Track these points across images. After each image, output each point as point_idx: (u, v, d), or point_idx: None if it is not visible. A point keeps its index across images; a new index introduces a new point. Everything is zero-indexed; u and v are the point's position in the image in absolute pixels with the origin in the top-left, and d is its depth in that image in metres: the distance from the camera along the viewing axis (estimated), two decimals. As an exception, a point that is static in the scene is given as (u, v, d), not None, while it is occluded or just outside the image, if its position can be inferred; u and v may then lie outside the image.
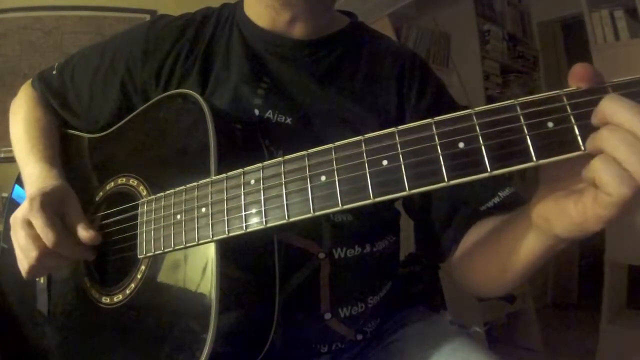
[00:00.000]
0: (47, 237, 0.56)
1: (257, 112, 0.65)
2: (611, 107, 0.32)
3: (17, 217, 0.59)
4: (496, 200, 0.63)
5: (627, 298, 2.12)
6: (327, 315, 0.64)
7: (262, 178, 0.47)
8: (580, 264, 2.95)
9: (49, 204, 0.59)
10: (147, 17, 2.12)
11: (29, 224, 0.58)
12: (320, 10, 0.68)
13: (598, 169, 0.33)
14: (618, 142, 0.32)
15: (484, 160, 0.36)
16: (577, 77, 0.35)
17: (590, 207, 0.35)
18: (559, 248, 0.44)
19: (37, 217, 0.57)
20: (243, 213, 0.48)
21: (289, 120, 0.65)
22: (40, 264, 0.58)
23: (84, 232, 0.60)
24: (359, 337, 0.68)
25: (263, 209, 0.46)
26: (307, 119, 0.66)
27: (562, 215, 0.38)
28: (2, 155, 1.94)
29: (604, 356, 1.94)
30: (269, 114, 0.65)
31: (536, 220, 0.42)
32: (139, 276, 0.57)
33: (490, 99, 2.74)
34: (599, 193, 0.34)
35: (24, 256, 0.59)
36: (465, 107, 0.72)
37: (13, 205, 0.63)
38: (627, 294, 2.12)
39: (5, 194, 1.77)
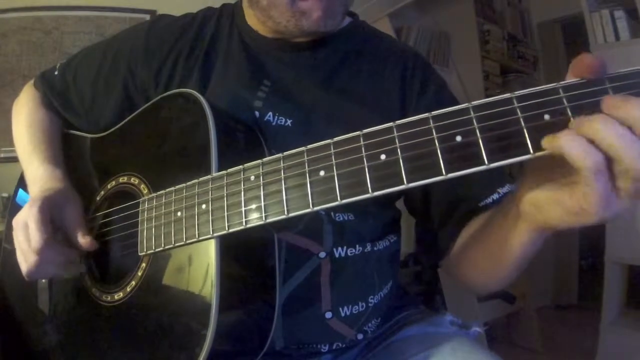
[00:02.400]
0: (34, 241, 0.57)
1: (257, 114, 0.65)
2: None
3: (18, 220, 0.60)
4: (495, 196, 0.63)
5: (627, 298, 2.12)
6: (328, 315, 0.64)
7: (262, 174, 0.47)
8: (580, 264, 2.95)
9: (48, 208, 0.59)
10: (147, 17, 2.13)
11: (26, 226, 0.59)
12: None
13: (564, 144, 0.33)
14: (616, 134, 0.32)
15: (482, 153, 0.36)
16: (583, 67, 0.35)
17: (581, 193, 0.35)
18: (547, 234, 0.45)
19: (32, 221, 0.58)
20: (243, 209, 0.48)
21: (289, 123, 0.65)
22: (37, 268, 0.59)
23: (81, 239, 0.61)
24: (360, 336, 0.68)
25: (262, 204, 0.46)
26: (307, 121, 0.66)
27: (558, 204, 0.38)
28: (2, 155, 1.94)
29: (604, 356, 1.94)
30: (269, 116, 0.65)
31: (528, 211, 0.42)
32: (139, 274, 0.57)
33: (490, 99, 2.74)
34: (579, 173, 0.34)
35: (23, 259, 0.60)
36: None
37: (16, 209, 0.64)
38: (627, 294, 2.12)
39: (5, 194, 1.77)
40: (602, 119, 0.33)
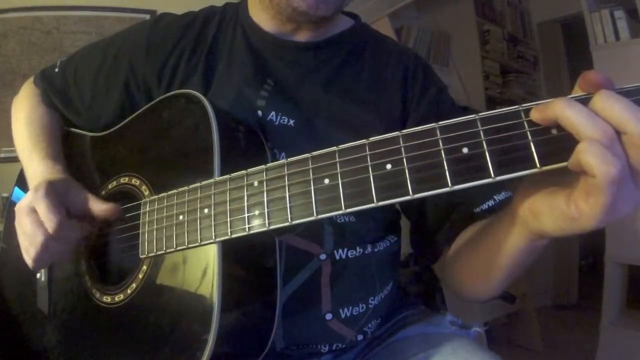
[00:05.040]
0: (50, 221, 0.56)
1: (260, 113, 0.65)
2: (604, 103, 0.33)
3: (21, 205, 0.58)
4: (491, 203, 0.63)
5: (627, 298, 2.12)
6: (328, 316, 0.64)
7: (265, 180, 0.47)
8: (580, 264, 2.95)
9: (54, 191, 0.58)
10: (147, 17, 2.13)
11: (33, 211, 0.57)
12: (324, 22, 0.68)
13: (582, 150, 0.32)
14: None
15: (488, 166, 0.36)
16: (589, 83, 0.34)
17: (583, 199, 0.34)
18: (541, 244, 0.44)
19: (41, 203, 0.56)
20: (246, 214, 0.48)
21: (291, 122, 0.65)
22: (45, 250, 0.57)
23: (100, 205, 0.60)
24: (360, 337, 0.68)
25: (266, 210, 0.46)
26: (310, 121, 0.66)
27: (553, 210, 0.37)
28: (2, 155, 1.94)
29: (604, 356, 1.94)
30: (271, 115, 0.65)
31: (523, 215, 0.42)
32: (140, 276, 0.57)
33: (490, 99, 2.75)
34: (588, 179, 0.33)
35: (29, 243, 0.58)
36: (465, 109, 0.72)
37: (13, 207, 0.63)
38: (627, 294, 2.12)
39: (5, 194, 1.77)
40: (601, 96, 0.33)
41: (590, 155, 0.32)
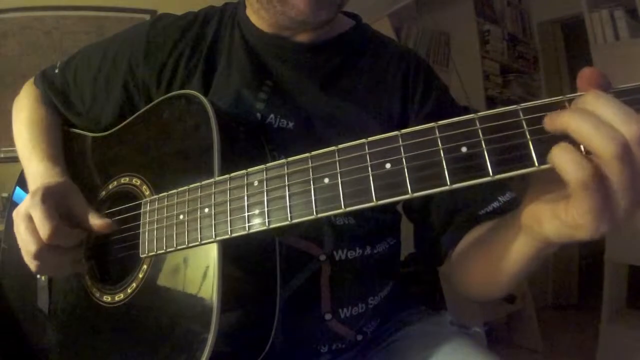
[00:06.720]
0: (44, 228, 0.55)
1: (259, 115, 0.65)
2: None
3: (19, 211, 0.58)
4: (495, 204, 0.62)
5: (627, 298, 2.13)
6: (328, 316, 0.64)
7: (265, 179, 0.47)
8: (580, 264, 2.95)
9: (51, 197, 0.58)
10: (147, 17, 2.13)
11: (29, 218, 0.57)
12: (323, 24, 0.68)
13: (555, 154, 0.33)
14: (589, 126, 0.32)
15: (487, 165, 0.36)
16: (585, 80, 0.34)
17: (574, 206, 0.34)
18: (549, 251, 0.44)
19: (36, 210, 0.56)
20: (246, 214, 0.48)
21: (290, 125, 0.65)
22: (41, 258, 0.57)
23: (97, 220, 0.60)
24: (359, 337, 0.68)
25: (266, 210, 0.46)
26: (309, 124, 0.66)
27: (554, 218, 0.38)
28: (2, 155, 1.94)
29: (604, 356, 1.95)
30: (270, 118, 0.65)
31: (527, 221, 0.42)
32: (140, 276, 0.57)
33: (490, 99, 2.75)
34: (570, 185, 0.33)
35: (25, 250, 0.58)
36: (465, 108, 0.72)
37: (14, 207, 0.63)
38: (627, 294, 2.12)
39: (5, 194, 1.77)
40: (572, 111, 0.32)
41: (562, 161, 0.32)
